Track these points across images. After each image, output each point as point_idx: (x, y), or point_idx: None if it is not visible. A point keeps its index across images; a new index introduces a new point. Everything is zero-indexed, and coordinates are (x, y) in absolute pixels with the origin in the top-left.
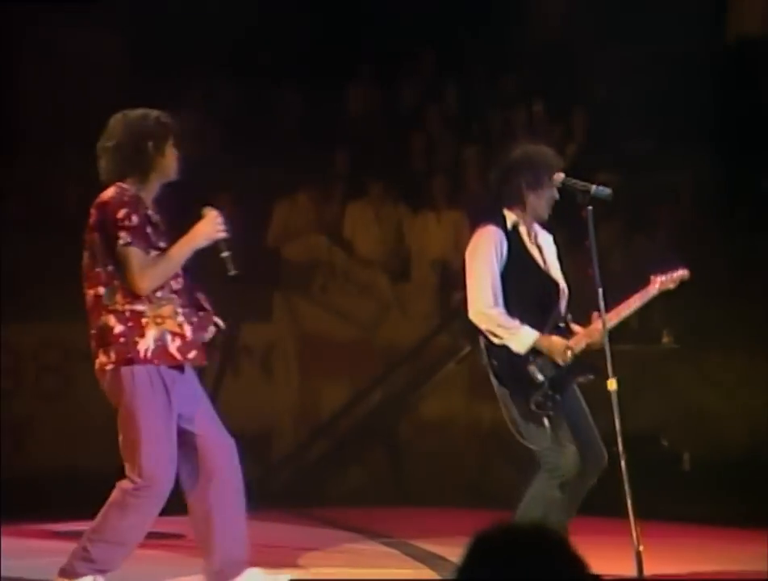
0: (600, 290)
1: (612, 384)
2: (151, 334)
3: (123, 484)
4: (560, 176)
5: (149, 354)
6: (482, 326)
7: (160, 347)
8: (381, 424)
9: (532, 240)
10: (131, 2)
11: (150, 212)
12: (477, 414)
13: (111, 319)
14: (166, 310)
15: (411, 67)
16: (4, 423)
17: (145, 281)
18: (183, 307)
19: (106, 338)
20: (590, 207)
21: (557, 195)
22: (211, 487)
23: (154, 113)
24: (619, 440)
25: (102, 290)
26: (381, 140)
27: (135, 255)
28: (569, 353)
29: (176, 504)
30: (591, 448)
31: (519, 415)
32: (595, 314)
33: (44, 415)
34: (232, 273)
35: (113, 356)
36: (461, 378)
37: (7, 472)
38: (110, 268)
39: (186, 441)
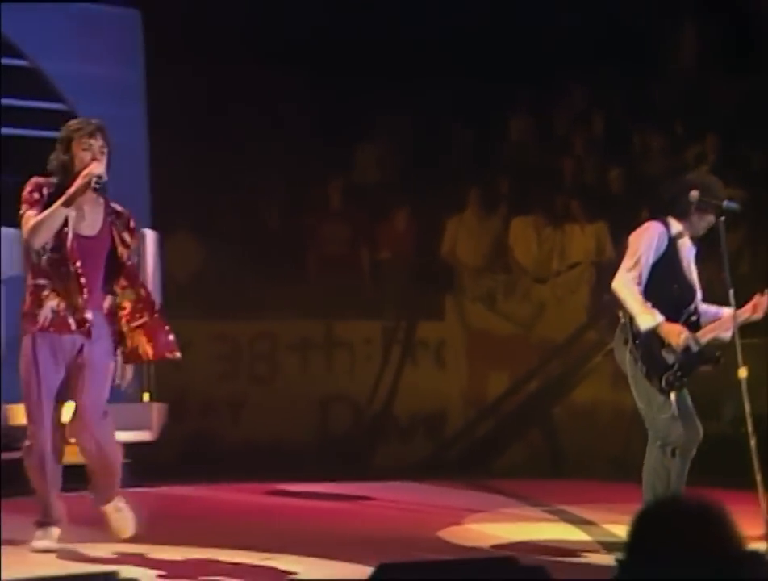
0: (731, 291)
1: (743, 372)
2: (49, 305)
3: None
4: (696, 193)
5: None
6: (620, 295)
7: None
8: (537, 408)
9: (684, 249)
10: (318, 41)
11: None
12: (620, 400)
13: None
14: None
15: (563, 100)
16: (223, 401)
17: (33, 239)
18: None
19: (21, 309)
20: (722, 218)
21: (713, 221)
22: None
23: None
24: (749, 421)
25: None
26: (536, 164)
27: (27, 217)
28: (682, 337)
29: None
30: (693, 423)
31: (650, 389)
32: (724, 311)
33: (256, 396)
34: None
35: (24, 326)
36: (606, 369)
37: (226, 442)
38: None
39: None
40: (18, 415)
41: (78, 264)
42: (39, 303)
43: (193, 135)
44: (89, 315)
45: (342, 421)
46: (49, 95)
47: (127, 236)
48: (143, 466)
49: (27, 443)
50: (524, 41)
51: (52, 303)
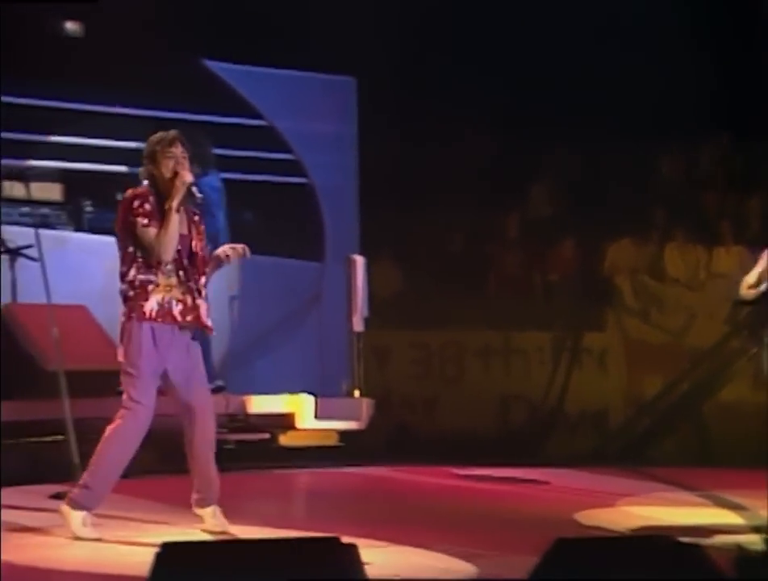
0: None
1: None
2: (154, 299)
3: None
4: None
5: (153, 314)
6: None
7: (166, 309)
8: (688, 406)
9: None
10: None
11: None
12: (761, 399)
13: (127, 288)
14: (170, 280)
15: (709, 143)
16: (419, 398)
17: (165, 253)
18: (186, 281)
19: (124, 301)
20: None
21: None
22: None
23: (157, 134)
24: None
25: (125, 267)
26: (684, 196)
27: (151, 234)
28: None
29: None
30: None
31: None
32: None
33: (446, 394)
34: (199, 200)
35: (126, 315)
36: (748, 372)
37: (422, 432)
38: (131, 249)
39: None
40: (257, 404)
41: (186, 262)
42: (145, 296)
43: (392, 177)
44: (194, 304)
45: (519, 416)
46: (281, 147)
47: (201, 230)
48: (354, 451)
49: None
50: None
51: (157, 296)
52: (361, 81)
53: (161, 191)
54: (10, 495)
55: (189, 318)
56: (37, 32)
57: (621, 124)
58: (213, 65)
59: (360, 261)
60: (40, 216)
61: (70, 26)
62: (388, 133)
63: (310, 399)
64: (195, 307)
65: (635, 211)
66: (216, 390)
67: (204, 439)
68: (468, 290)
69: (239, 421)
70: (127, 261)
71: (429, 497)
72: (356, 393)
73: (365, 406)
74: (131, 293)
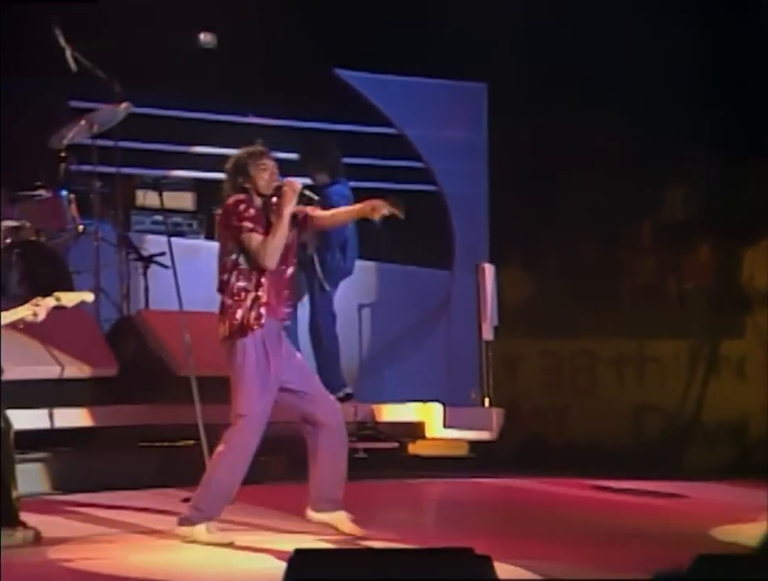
0: None
1: None
2: (253, 306)
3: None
4: None
5: (251, 322)
6: None
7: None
8: None
9: None
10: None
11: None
12: None
13: (227, 298)
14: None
15: None
16: (549, 407)
17: (272, 260)
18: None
19: (223, 312)
20: None
21: None
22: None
23: (248, 148)
24: None
25: (225, 276)
26: None
27: (258, 240)
28: None
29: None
30: None
31: None
32: None
33: (577, 404)
34: (314, 203)
35: (227, 326)
36: None
37: (553, 442)
38: (233, 257)
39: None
40: (386, 412)
41: (290, 270)
42: (245, 304)
43: (523, 184)
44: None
45: (654, 427)
46: (411, 155)
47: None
48: (485, 461)
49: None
50: None
51: (256, 304)
52: (491, 87)
53: (255, 204)
54: (142, 497)
55: (279, 316)
56: (171, 44)
57: (758, 122)
58: (344, 74)
59: (489, 268)
60: (172, 225)
61: (204, 37)
62: (518, 140)
63: (440, 407)
64: (282, 306)
65: None
66: (345, 398)
67: (329, 442)
68: (600, 297)
69: (367, 429)
70: (228, 268)
71: (561, 509)
72: (486, 402)
73: (495, 415)
74: (230, 301)
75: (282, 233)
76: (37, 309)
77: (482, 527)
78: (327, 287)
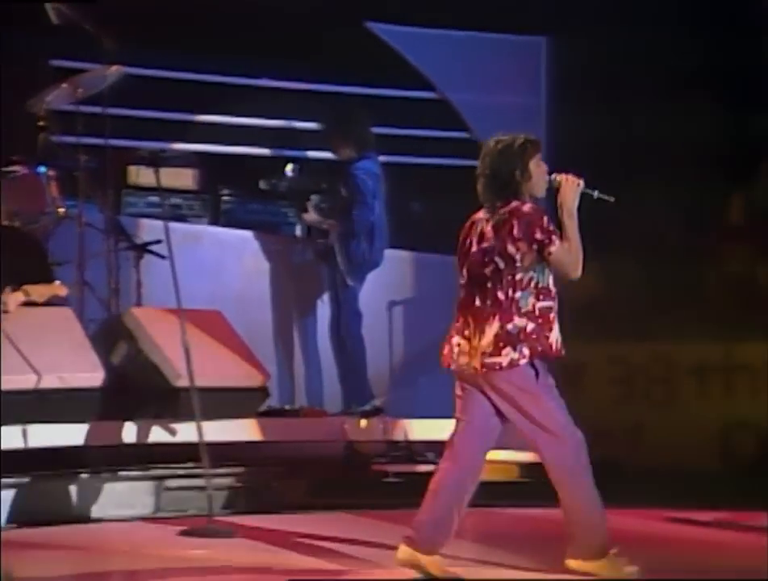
0: None
1: None
2: (556, 328)
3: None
4: None
5: (558, 346)
6: None
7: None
8: None
9: None
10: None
11: None
12: None
13: (523, 320)
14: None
15: None
16: (617, 427)
17: (578, 269)
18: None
19: (519, 336)
20: None
21: None
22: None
23: (520, 138)
24: None
25: (518, 293)
26: None
27: (566, 251)
28: None
29: None
30: None
31: None
32: None
33: (653, 421)
34: (610, 198)
35: (526, 352)
36: None
37: (618, 467)
38: (531, 273)
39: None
40: (421, 429)
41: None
42: (549, 326)
43: (587, 157)
44: None
45: (746, 447)
46: (455, 124)
47: None
48: (538, 487)
49: None
50: None
51: (556, 325)
52: (551, 41)
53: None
54: (134, 530)
55: (562, 350)
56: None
57: None
58: (376, 27)
59: None
60: (170, 207)
61: None
62: (582, 104)
63: None
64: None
65: None
66: (373, 413)
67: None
68: (679, 291)
69: (400, 449)
70: (519, 287)
71: (634, 544)
72: None
73: None
74: (533, 325)
75: (578, 236)
76: (3, 306)
77: (543, 562)
78: (351, 282)
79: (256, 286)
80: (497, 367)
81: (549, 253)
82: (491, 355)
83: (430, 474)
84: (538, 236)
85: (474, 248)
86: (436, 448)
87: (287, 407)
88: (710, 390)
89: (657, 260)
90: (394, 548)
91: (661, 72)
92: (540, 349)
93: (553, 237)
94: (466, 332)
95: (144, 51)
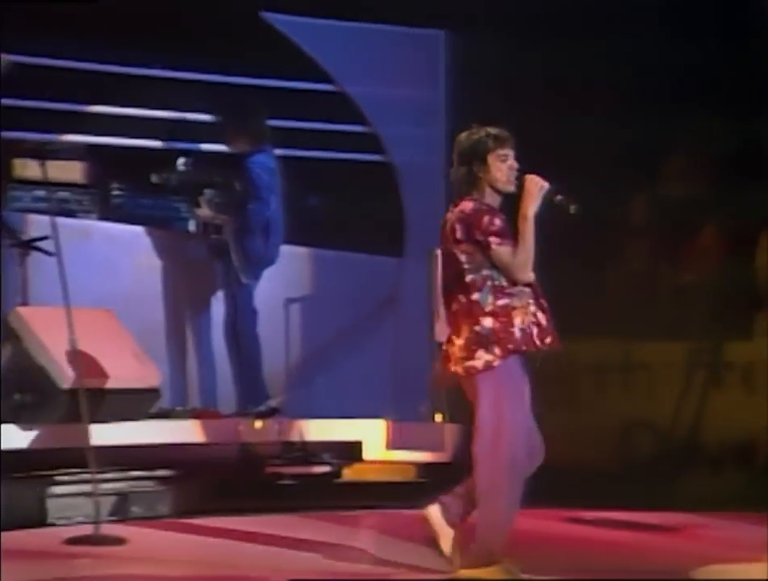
0: None
1: None
2: (518, 322)
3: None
4: None
5: (533, 339)
6: None
7: (528, 334)
8: None
9: None
10: None
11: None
12: None
13: (489, 320)
14: (526, 300)
15: None
16: None
17: (526, 272)
18: (535, 299)
19: (489, 338)
20: None
21: None
22: None
23: (482, 131)
24: None
25: (476, 295)
26: None
27: (508, 253)
28: None
29: None
30: None
31: None
32: None
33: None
34: (573, 210)
35: (498, 351)
36: None
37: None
38: (484, 272)
39: None
40: (317, 430)
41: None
42: (510, 323)
43: None
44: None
45: (642, 448)
46: (353, 117)
47: None
48: (437, 487)
49: None
50: None
51: (518, 320)
52: (451, 34)
53: (487, 202)
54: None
55: (547, 341)
56: None
57: None
58: (271, 17)
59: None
60: (58, 201)
61: None
62: (485, 99)
63: (382, 424)
64: (550, 328)
65: None
66: (268, 413)
67: None
68: (577, 289)
69: (295, 451)
70: (474, 288)
71: (530, 544)
72: (438, 417)
73: (449, 433)
74: (498, 324)
75: (531, 239)
76: None
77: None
78: (246, 279)
79: (147, 283)
80: (473, 371)
81: (490, 255)
82: (466, 359)
83: (326, 476)
84: (477, 237)
85: (439, 251)
86: (332, 449)
87: (180, 408)
88: (608, 390)
89: (555, 258)
90: (292, 550)
91: (563, 66)
92: (510, 346)
93: (492, 238)
94: (452, 338)
95: (30, 39)
